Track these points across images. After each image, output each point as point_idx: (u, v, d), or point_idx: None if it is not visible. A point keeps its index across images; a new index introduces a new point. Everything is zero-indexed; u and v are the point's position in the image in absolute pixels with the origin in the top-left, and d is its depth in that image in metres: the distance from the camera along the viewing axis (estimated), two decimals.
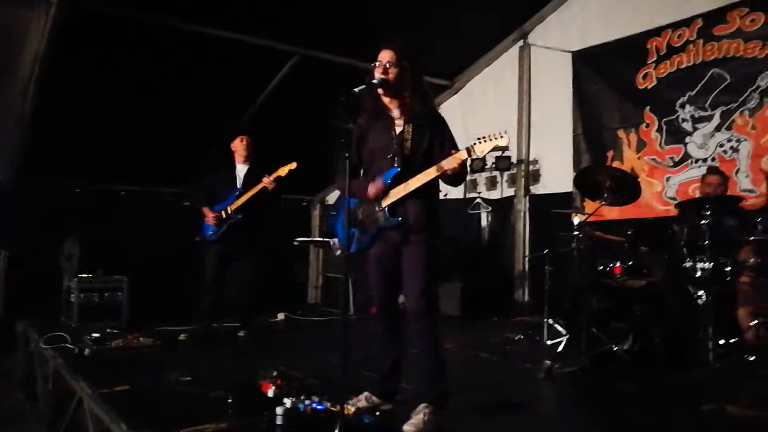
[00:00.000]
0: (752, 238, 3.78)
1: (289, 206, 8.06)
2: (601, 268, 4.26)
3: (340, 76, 2.74)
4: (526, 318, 5.93)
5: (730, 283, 3.83)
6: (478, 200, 7.20)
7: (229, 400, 2.82)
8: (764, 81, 5.00)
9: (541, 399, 3.28)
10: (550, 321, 4.46)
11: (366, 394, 2.77)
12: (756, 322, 3.73)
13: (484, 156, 2.70)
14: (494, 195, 7.23)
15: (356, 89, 2.62)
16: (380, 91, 2.71)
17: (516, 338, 4.61)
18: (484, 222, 7.22)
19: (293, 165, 4.69)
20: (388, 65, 2.66)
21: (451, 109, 7.74)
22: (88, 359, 3.98)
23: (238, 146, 5.04)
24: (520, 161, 6.95)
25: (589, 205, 5.32)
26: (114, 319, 5.18)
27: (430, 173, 2.60)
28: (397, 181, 2.66)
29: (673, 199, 5.49)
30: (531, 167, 6.92)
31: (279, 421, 1.80)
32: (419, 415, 2.49)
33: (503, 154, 6.80)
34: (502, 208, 7.07)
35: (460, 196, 7.34)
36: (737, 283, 3.87)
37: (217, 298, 4.83)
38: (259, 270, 5.02)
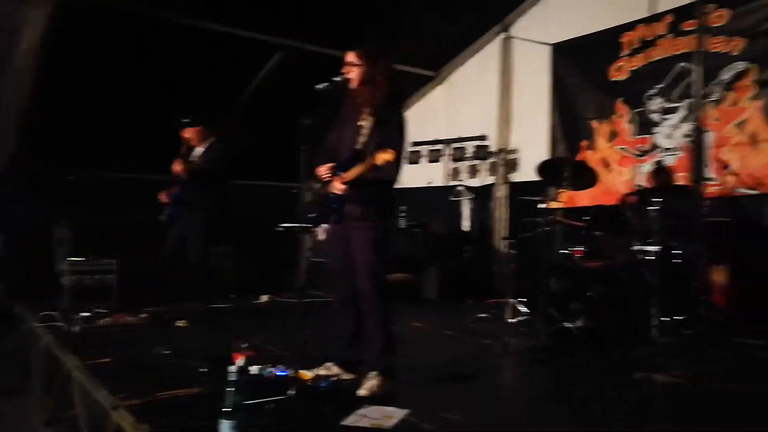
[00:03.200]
0: (699, 223, 4.02)
1: (280, 193, 8.30)
2: (564, 251, 4.52)
3: (327, 68, 3.00)
4: (501, 300, 6.18)
5: (678, 266, 4.07)
6: (460, 188, 7.44)
7: (202, 370, 3.09)
8: (727, 75, 5.21)
9: (493, 371, 3.54)
10: (513, 301, 4.71)
11: (328, 363, 3.03)
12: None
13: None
14: (476, 183, 7.47)
15: (318, 86, 2.87)
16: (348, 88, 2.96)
17: (478, 317, 4.86)
18: (466, 209, 7.47)
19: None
20: (351, 65, 2.91)
21: (436, 100, 7.98)
22: (77, 336, 4.24)
23: (188, 137, 5.14)
24: (500, 150, 7.17)
25: (564, 193, 5.56)
26: (104, 300, 5.43)
27: (360, 168, 2.79)
28: (345, 170, 2.88)
29: (639, 186, 5.72)
30: (510, 156, 7.15)
31: (232, 377, 2.03)
32: (371, 381, 2.77)
33: (482, 144, 7.04)
34: (483, 195, 7.32)
35: (443, 183, 7.60)
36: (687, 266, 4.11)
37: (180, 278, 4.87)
38: (203, 254, 4.95)
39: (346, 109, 3.07)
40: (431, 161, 7.64)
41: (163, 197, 5.03)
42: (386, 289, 2.93)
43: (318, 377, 2.91)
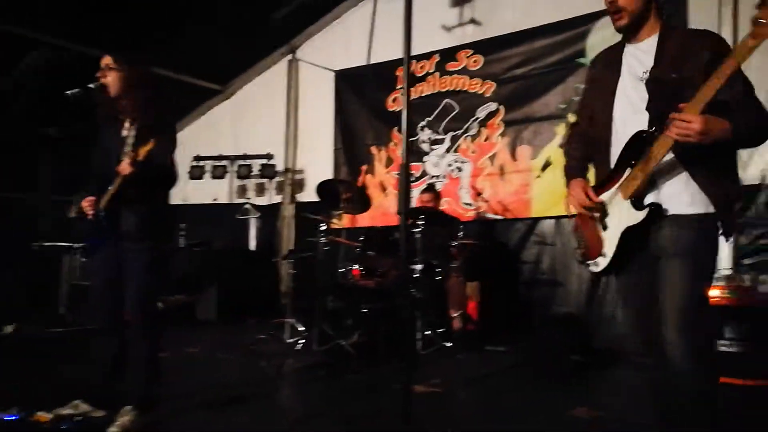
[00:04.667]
0: (455, 243, 4.51)
1: (19, 206, 7.35)
2: (342, 270, 4.71)
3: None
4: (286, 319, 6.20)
5: (439, 283, 4.51)
6: (247, 206, 7.34)
7: None
8: (482, 113, 5.96)
9: (266, 393, 3.52)
10: (291, 320, 4.77)
11: (76, 401, 2.73)
12: (456, 314, 4.46)
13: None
14: (263, 201, 7.43)
15: (69, 92, 2.59)
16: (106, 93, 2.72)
17: (259, 337, 4.82)
18: (252, 227, 7.38)
19: None
20: (106, 69, 2.69)
21: (222, 114, 7.80)
22: None
23: None
24: (287, 170, 7.25)
25: (345, 215, 5.81)
26: None
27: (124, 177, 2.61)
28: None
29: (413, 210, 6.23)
30: (297, 176, 7.27)
31: None
32: (125, 417, 2.56)
33: (268, 163, 7.05)
34: (271, 214, 7.31)
35: (229, 201, 7.43)
36: (447, 282, 4.58)
37: None
38: None
39: (105, 119, 2.81)
40: (215, 177, 7.40)
41: None
42: (157, 314, 2.75)
43: (59, 418, 2.59)
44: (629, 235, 1.91)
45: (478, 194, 5.64)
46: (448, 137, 6.16)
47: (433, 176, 6.23)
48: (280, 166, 7.24)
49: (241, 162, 7.32)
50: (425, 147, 6.31)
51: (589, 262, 2.09)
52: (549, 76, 5.54)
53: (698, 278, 1.85)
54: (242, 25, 6.46)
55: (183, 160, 7.70)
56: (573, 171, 2.18)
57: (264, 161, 7.24)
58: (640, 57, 1.96)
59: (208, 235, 7.06)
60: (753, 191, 4.23)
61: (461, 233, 4.71)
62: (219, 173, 7.39)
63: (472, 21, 6.02)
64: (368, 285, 4.42)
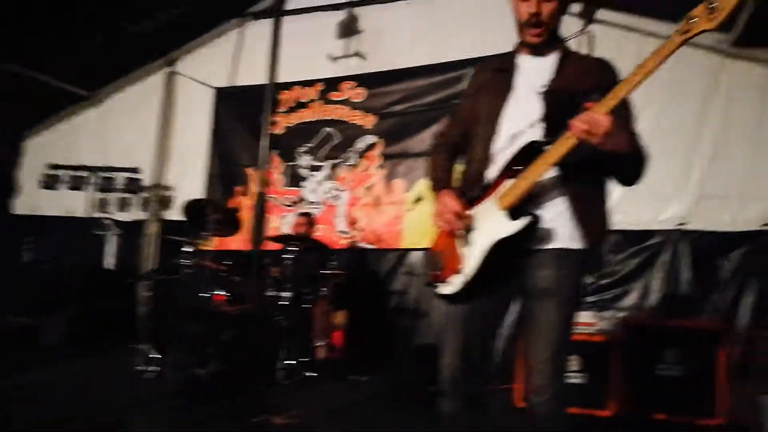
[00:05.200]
0: (327, 272, 4.48)
1: None
2: (204, 295, 4.48)
3: None
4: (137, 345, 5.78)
5: (306, 311, 4.44)
6: (107, 221, 6.82)
7: None
8: (362, 144, 6.05)
9: (109, 426, 3.23)
10: (146, 347, 4.44)
11: None
12: (321, 343, 4.41)
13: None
14: (126, 217, 6.95)
15: None
16: None
17: (109, 365, 4.45)
18: (111, 245, 6.86)
19: None
20: None
21: (86, 122, 7.26)
22: None
23: None
24: (154, 185, 6.86)
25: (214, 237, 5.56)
26: None
27: None
28: None
29: (288, 234, 6.13)
30: (165, 192, 6.90)
31: None
32: None
33: (134, 177, 6.64)
34: (133, 231, 6.84)
35: (86, 215, 6.86)
36: (314, 311, 4.52)
37: None
38: None
39: None
40: (73, 188, 6.82)
41: None
42: None
43: None
44: (499, 249, 1.78)
45: (353, 223, 5.69)
46: (327, 165, 6.17)
47: (310, 202, 6.19)
48: (147, 181, 6.84)
49: (104, 174, 6.81)
50: (304, 172, 6.28)
51: (439, 283, 1.91)
52: (427, 114, 5.77)
53: (570, 323, 1.80)
54: (117, 31, 6.10)
55: (35, 167, 7.05)
56: (443, 182, 2.03)
57: (130, 175, 6.80)
58: (540, 71, 1.88)
59: (60, 251, 6.46)
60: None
61: (333, 261, 4.69)
62: (77, 184, 6.82)
63: (357, 54, 6.14)
64: (231, 311, 4.24)
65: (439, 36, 5.80)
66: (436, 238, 2.00)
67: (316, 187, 6.23)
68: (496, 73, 1.98)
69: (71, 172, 6.81)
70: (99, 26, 5.79)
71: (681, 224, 4.66)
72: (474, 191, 1.90)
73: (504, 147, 1.85)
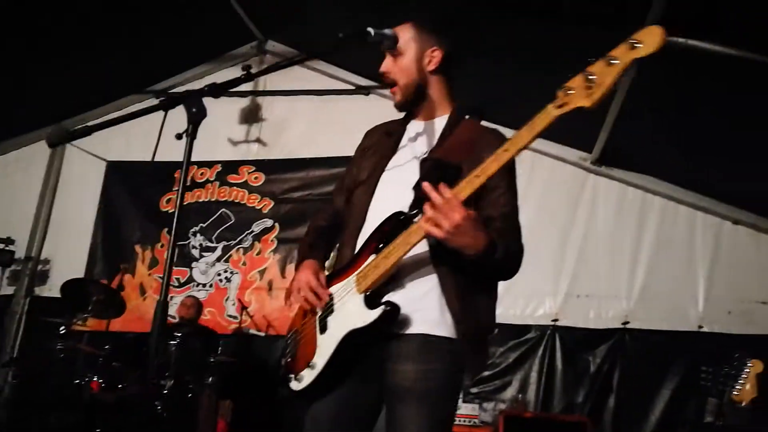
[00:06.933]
0: (213, 360, 4.36)
1: None
2: (78, 381, 4.16)
3: None
4: None
5: (190, 400, 4.26)
6: None
7: None
8: (258, 227, 6.08)
9: None
10: None
11: None
12: None
13: None
14: None
15: None
16: None
17: None
18: None
19: None
20: None
21: None
22: None
23: None
24: (28, 258, 6.39)
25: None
26: None
27: None
28: None
29: (173, 317, 5.89)
30: (40, 266, 6.44)
31: None
32: None
33: (6, 248, 6.16)
34: None
35: None
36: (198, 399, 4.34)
37: None
38: None
39: None
40: None
41: None
42: None
43: None
44: (350, 341, 1.55)
45: (244, 307, 5.61)
46: (220, 246, 6.11)
47: (199, 284, 6.04)
48: (20, 253, 6.36)
49: None
50: (195, 253, 6.15)
51: (290, 375, 1.69)
52: (323, 203, 5.91)
53: (444, 430, 1.56)
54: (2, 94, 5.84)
55: None
56: (308, 251, 1.82)
57: (0, 246, 6.29)
58: (426, 136, 1.76)
59: None
60: None
61: (219, 348, 4.57)
62: None
63: (258, 140, 6.29)
64: (107, 399, 3.97)
65: (336, 131, 6.07)
66: (294, 316, 1.83)
67: (207, 269, 6.11)
68: (383, 137, 1.88)
69: None
70: None
71: (554, 320, 5.06)
72: (342, 263, 1.72)
73: (375, 215, 1.68)
